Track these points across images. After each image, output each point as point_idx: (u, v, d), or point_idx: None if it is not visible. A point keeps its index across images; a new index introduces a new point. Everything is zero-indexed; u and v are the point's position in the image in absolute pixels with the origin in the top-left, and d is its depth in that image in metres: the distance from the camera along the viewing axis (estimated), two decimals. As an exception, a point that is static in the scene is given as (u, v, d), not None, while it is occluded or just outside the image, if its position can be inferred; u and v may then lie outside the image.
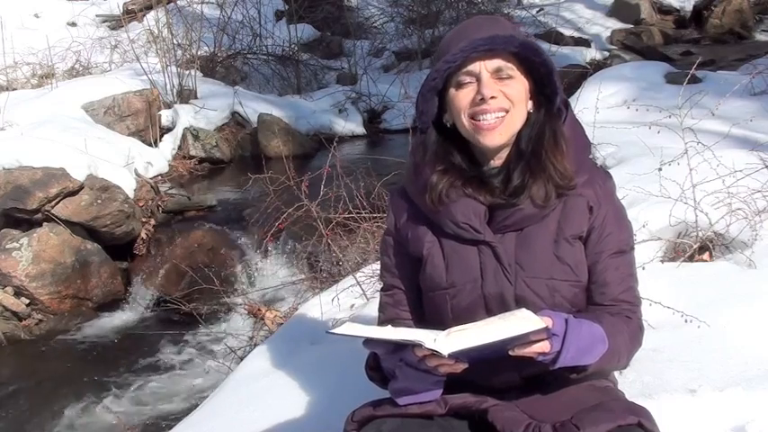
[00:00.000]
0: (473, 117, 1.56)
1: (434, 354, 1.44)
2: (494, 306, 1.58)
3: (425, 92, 1.59)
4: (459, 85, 1.57)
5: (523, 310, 1.48)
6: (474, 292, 1.60)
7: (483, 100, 1.54)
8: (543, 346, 1.44)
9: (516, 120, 1.58)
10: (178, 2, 8.96)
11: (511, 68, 1.55)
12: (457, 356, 1.43)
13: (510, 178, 1.60)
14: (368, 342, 1.55)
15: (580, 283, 1.61)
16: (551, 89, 1.57)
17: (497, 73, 1.54)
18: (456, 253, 1.63)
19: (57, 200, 5.28)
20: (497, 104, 1.55)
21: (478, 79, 1.54)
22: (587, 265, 1.62)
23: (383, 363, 1.62)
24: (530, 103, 1.60)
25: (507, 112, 1.56)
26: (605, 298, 1.62)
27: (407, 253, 1.71)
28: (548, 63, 1.55)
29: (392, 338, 1.49)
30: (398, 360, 1.55)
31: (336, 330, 1.51)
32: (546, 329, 1.41)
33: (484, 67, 1.54)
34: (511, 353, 1.44)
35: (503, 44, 1.52)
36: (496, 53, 1.53)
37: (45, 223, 5.27)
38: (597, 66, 8.12)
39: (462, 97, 1.56)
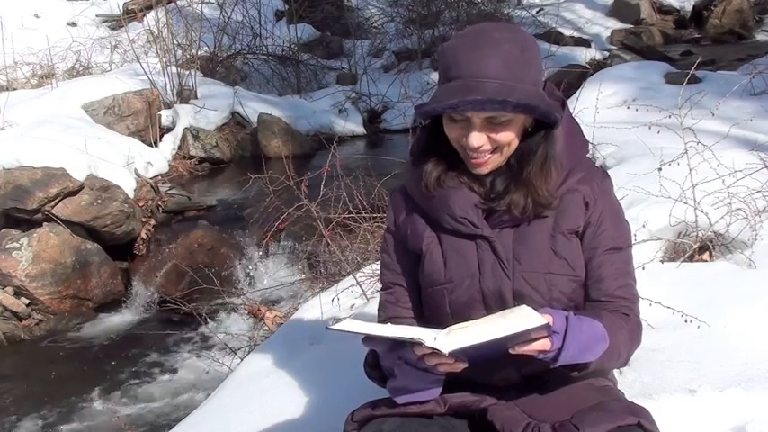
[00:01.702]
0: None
1: (434, 352, 1.44)
2: (492, 301, 1.58)
3: (418, 115, 1.59)
4: (452, 120, 1.56)
5: (524, 306, 1.48)
6: (472, 287, 1.60)
7: (470, 147, 1.53)
8: (544, 344, 1.44)
9: (505, 155, 1.57)
10: (178, 2, 8.96)
11: (505, 115, 1.51)
12: (457, 355, 1.43)
13: (494, 184, 1.61)
14: (367, 340, 1.55)
15: (578, 278, 1.61)
16: (551, 121, 1.56)
17: (490, 119, 1.52)
18: (454, 248, 1.63)
19: (57, 200, 5.28)
20: (484, 150, 1.54)
21: (469, 124, 1.53)
22: (584, 260, 1.62)
23: (382, 361, 1.62)
24: (530, 120, 1.57)
25: (496, 150, 1.56)
26: (601, 293, 1.62)
27: (407, 249, 1.72)
28: (545, 115, 1.52)
29: (392, 335, 1.49)
30: (397, 358, 1.55)
31: (336, 326, 1.51)
32: (547, 327, 1.41)
33: (476, 114, 1.51)
34: (511, 351, 1.44)
35: (494, 108, 1.49)
36: None
37: (45, 223, 5.27)
38: (597, 66, 8.11)
39: (454, 134, 1.56)
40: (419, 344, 1.45)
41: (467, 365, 1.48)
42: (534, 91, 1.52)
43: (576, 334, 1.46)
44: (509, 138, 1.55)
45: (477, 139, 1.52)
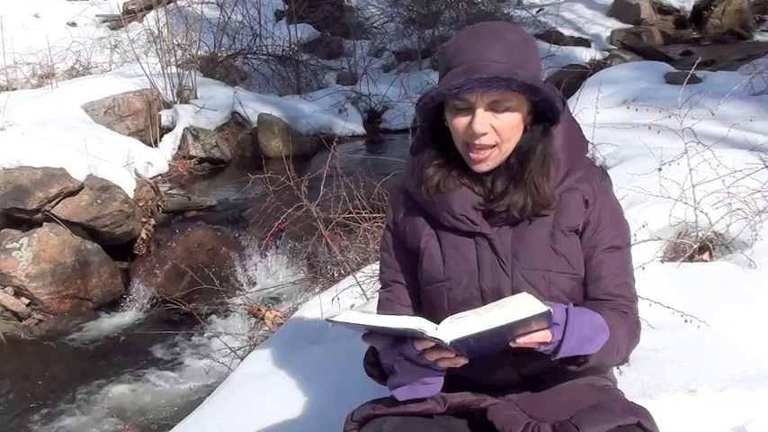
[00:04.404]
0: (467, 143, 1.57)
1: (435, 345, 1.44)
2: (490, 299, 1.58)
3: (421, 107, 1.59)
4: (456, 110, 1.56)
5: (524, 294, 1.47)
6: (471, 284, 1.61)
7: (474, 134, 1.54)
8: (545, 336, 1.44)
9: (507, 150, 1.58)
10: (178, 2, 8.97)
11: (508, 99, 1.52)
12: (458, 346, 1.43)
13: (495, 185, 1.61)
14: (367, 336, 1.55)
15: (577, 275, 1.61)
16: (552, 113, 1.57)
17: (493, 104, 1.53)
18: (453, 246, 1.63)
19: (57, 200, 5.28)
20: (488, 140, 1.54)
21: (473, 110, 1.53)
22: (583, 259, 1.62)
23: (382, 358, 1.61)
24: (529, 118, 1.59)
25: (496, 145, 1.56)
26: (600, 292, 1.62)
27: (406, 247, 1.72)
28: (548, 99, 1.53)
29: (393, 326, 1.49)
30: (398, 355, 1.55)
31: (337, 318, 1.51)
32: (548, 316, 1.41)
33: (480, 98, 1.52)
34: (512, 344, 1.44)
35: (500, 86, 1.50)
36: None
37: (45, 223, 5.27)
38: (597, 66, 8.10)
39: (457, 123, 1.56)
40: (420, 338, 1.45)
41: (467, 362, 1.48)
42: (537, 78, 1.54)
43: (577, 325, 1.46)
44: (512, 125, 1.55)
45: (481, 122, 1.52)
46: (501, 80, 1.48)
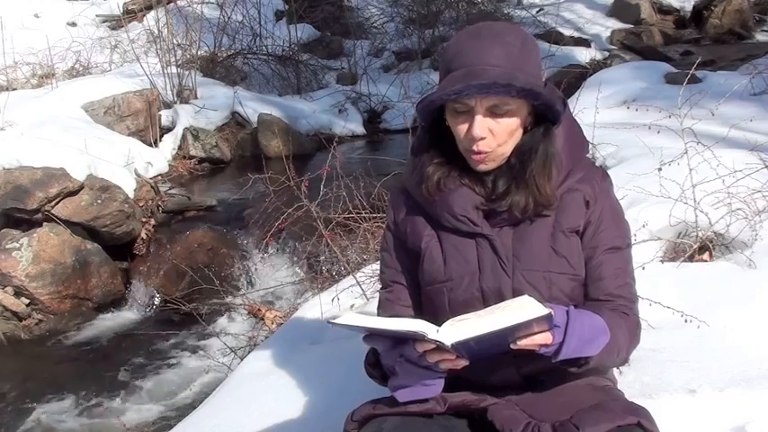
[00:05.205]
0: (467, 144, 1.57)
1: (436, 347, 1.44)
2: (491, 300, 1.58)
3: (421, 109, 1.59)
4: (456, 113, 1.56)
5: (525, 296, 1.47)
6: (472, 285, 1.60)
7: (473, 139, 1.54)
8: (545, 338, 1.43)
9: (505, 151, 1.58)
10: (178, 2, 8.97)
11: (507, 103, 1.53)
12: (459, 349, 1.43)
13: (496, 185, 1.61)
14: (368, 337, 1.55)
15: (578, 276, 1.61)
16: (552, 115, 1.57)
17: (493, 109, 1.53)
18: (454, 246, 1.63)
19: (57, 200, 5.28)
20: (486, 144, 1.55)
21: (472, 114, 1.54)
22: (584, 260, 1.62)
23: (383, 359, 1.62)
24: (530, 119, 1.59)
25: (496, 147, 1.56)
26: (600, 292, 1.62)
27: (406, 248, 1.72)
28: (548, 103, 1.53)
29: (394, 329, 1.49)
30: (399, 356, 1.55)
31: (338, 321, 1.52)
32: (549, 319, 1.40)
33: (479, 103, 1.52)
34: (513, 346, 1.44)
35: (499, 92, 1.50)
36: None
37: (45, 223, 5.27)
38: (597, 66, 8.11)
39: (458, 129, 1.57)
40: (421, 339, 1.45)
41: (468, 363, 1.48)
42: (536, 81, 1.54)
43: (577, 327, 1.46)
44: (511, 128, 1.55)
45: (480, 126, 1.52)
46: (500, 86, 1.48)
